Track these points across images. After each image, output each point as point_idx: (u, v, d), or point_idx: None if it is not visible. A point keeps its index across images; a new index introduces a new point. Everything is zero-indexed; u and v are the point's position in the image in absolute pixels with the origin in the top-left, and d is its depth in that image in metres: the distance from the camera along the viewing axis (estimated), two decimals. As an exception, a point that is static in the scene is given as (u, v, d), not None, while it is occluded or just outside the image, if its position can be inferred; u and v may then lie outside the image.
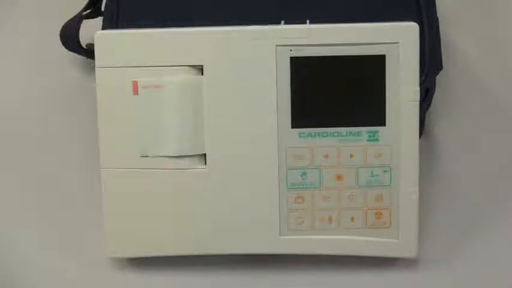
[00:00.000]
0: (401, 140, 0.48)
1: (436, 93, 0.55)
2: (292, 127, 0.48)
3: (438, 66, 0.54)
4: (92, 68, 0.49)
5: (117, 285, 0.52)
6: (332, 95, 0.48)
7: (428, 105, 0.54)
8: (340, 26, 0.48)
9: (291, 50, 0.48)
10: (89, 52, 0.58)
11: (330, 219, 0.49)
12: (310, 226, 0.49)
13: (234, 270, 0.52)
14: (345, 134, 0.48)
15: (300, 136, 0.49)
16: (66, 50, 0.59)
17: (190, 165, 0.49)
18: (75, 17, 0.58)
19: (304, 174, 0.49)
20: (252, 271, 0.52)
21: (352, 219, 0.49)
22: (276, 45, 0.48)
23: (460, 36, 0.62)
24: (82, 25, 0.58)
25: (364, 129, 0.48)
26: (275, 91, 0.48)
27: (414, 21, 0.48)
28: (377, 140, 0.48)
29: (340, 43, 0.48)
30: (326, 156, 0.49)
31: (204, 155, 0.49)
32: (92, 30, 0.51)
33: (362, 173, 0.49)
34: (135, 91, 0.48)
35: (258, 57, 0.48)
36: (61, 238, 0.54)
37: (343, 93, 0.48)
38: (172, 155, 0.49)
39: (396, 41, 0.47)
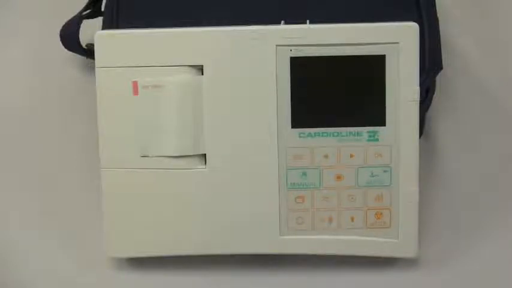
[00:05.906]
0: (401, 140, 0.48)
1: (436, 93, 0.55)
2: (292, 127, 0.48)
3: (438, 66, 0.54)
4: (92, 68, 0.49)
5: (117, 285, 0.52)
6: (332, 95, 0.48)
7: (428, 105, 0.54)
8: (340, 26, 0.48)
9: (291, 50, 0.48)
10: (89, 52, 0.58)
11: (330, 219, 0.49)
12: (310, 226, 0.49)
13: (234, 270, 0.52)
14: (345, 134, 0.48)
15: (300, 136, 0.49)
16: (66, 50, 0.59)
17: (190, 165, 0.49)
18: (75, 17, 0.58)
19: (304, 174, 0.49)
20: (252, 271, 0.52)
21: (352, 219, 0.49)
22: (276, 45, 0.48)
23: (460, 36, 0.62)
24: (82, 25, 0.58)
25: (364, 129, 0.48)
26: (275, 91, 0.48)
27: (414, 21, 0.48)
28: (377, 140, 0.48)
29: (340, 43, 0.48)
30: (326, 156, 0.49)
31: (204, 155, 0.49)
32: (92, 30, 0.51)
33: (362, 173, 0.49)
34: (135, 91, 0.48)
35: (258, 57, 0.48)
36: (61, 238, 0.54)
37: (343, 93, 0.48)
38: (172, 155, 0.49)
39: (396, 41, 0.47)
